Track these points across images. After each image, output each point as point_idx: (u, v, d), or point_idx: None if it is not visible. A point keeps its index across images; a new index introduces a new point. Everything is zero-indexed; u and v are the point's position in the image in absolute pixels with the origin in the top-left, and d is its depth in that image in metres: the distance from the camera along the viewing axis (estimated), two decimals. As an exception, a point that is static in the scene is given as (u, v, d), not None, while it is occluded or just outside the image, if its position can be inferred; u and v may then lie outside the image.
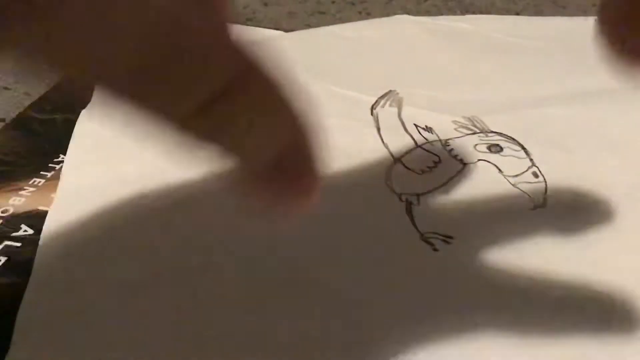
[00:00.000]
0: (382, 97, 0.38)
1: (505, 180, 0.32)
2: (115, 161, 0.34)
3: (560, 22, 0.45)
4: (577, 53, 0.41)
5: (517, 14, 0.60)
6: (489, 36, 0.43)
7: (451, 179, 0.32)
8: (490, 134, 0.35)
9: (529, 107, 0.37)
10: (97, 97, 0.40)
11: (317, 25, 0.58)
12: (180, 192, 0.31)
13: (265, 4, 0.62)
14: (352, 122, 0.36)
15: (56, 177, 0.33)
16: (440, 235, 0.29)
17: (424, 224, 0.29)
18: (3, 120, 0.45)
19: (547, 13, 0.59)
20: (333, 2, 0.62)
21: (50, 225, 0.30)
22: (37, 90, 0.49)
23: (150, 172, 0.32)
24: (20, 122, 0.40)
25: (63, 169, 0.34)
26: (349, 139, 0.34)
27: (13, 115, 0.45)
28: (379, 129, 0.35)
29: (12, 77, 0.51)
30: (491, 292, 0.26)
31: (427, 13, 0.60)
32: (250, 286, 0.27)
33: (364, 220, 0.30)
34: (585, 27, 0.45)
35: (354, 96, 0.38)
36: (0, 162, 0.36)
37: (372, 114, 0.37)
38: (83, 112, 0.37)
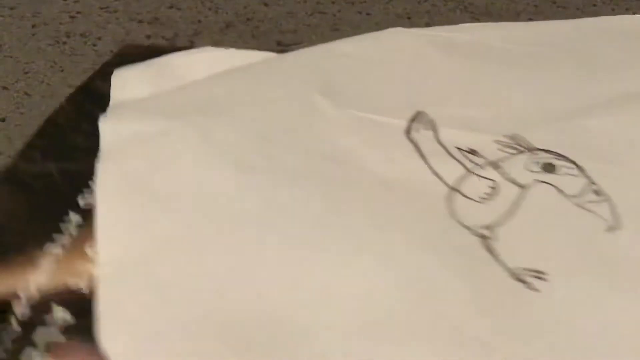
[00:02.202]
0: (412, 120, 0.35)
1: (568, 201, 0.30)
2: (154, 220, 0.29)
3: (560, 26, 0.44)
4: (584, 57, 0.40)
5: (517, 14, 0.59)
6: (491, 46, 0.41)
7: (514, 204, 0.30)
8: (537, 152, 0.32)
9: (564, 120, 0.34)
10: (107, 144, 0.33)
11: (317, 25, 0.58)
12: (234, 252, 0.27)
13: (266, 4, 0.62)
14: (392, 152, 0.33)
15: (75, 242, 0.28)
16: (531, 271, 0.26)
17: (509, 259, 0.27)
18: (3, 119, 0.45)
19: (547, 13, 0.59)
20: (333, 2, 0.62)
21: (106, 313, 0.25)
22: (38, 90, 0.49)
23: (198, 234, 0.28)
24: (11, 178, 0.32)
25: (98, 239, 0.27)
26: (395, 171, 0.31)
27: (13, 115, 0.45)
28: (423, 157, 0.32)
29: (12, 77, 0.51)
30: (607, 332, 0.24)
31: (427, 13, 0.60)
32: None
33: (440, 259, 0.27)
34: (585, 28, 0.44)
35: (382, 121, 0.35)
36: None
37: (409, 139, 0.33)
38: (102, 165, 0.32)
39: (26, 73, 0.51)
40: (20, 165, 0.33)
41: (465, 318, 0.24)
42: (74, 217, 0.29)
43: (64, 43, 0.55)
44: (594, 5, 0.60)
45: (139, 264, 0.27)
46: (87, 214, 0.29)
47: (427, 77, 0.38)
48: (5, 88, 0.49)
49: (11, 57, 0.53)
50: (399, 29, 0.42)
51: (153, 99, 0.37)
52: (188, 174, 0.31)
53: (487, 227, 0.28)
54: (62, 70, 0.51)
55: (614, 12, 0.56)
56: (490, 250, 0.27)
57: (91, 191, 0.30)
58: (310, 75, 0.38)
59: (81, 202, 0.30)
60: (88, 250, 0.27)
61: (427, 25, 0.61)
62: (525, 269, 0.26)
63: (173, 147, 0.32)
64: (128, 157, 0.32)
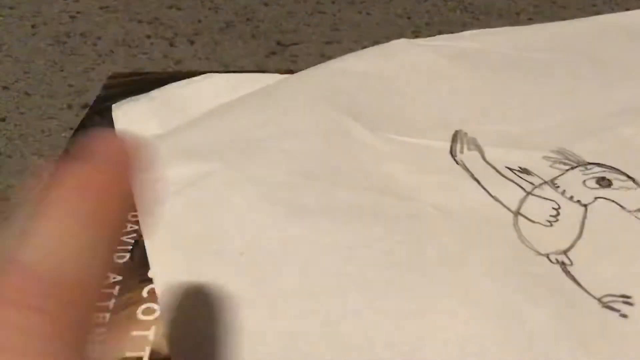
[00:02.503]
0: (454, 140, 0.34)
1: (631, 216, 0.29)
2: (215, 274, 0.27)
3: (564, 28, 0.44)
4: (597, 60, 0.40)
5: (517, 14, 0.60)
6: (505, 54, 0.40)
7: (583, 226, 0.29)
8: (588, 166, 0.32)
9: (602, 130, 0.34)
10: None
11: (317, 25, 0.58)
12: (314, 305, 0.26)
13: (266, 4, 0.62)
14: (443, 177, 0.32)
15: (121, 306, 0.26)
16: (618, 296, 0.26)
17: (591, 286, 0.26)
18: (3, 119, 0.45)
19: (547, 13, 0.59)
20: (333, 2, 0.62)
21: None
22: (37, 90, 0.49)
23: (270, 287, 0.26)
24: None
25: (161, 305, 0.26)
26: (452, 198, 0.31)
27: (13, 115, 0.45)
28: (477, 180, 0.31)
29: (12, 77, 0.51)
30: None
31: (427, 13, 0.60)
32: None
33: (528, 294, 0.26)
34: (590, 28, 0.44)
35: (423, 144, 0.34)
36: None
37: (456, 162, 0.33)
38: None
39: (26, 73, 0.51)
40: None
41: (564, 354, 0.24)
42: (114, 278, 0.28)
43: (64, 43, 0.55)
44: (594, 5, 0.60)
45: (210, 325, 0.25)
46: (125, 271, 0.28)
47: (451, 93, 0.38)
48: (5, 88, 0.49)
49: (11, 57, 0.53)
50: (404, 41, 0.41)
51: (175, 137, 0.35)
52: (239, 220, 0.29)
53: (563, 253, 0.28)
54: (62, 70, 0.51)
55: (613, 11, 0.56)
56: (573, 278, 0.27)
57: (125, 246, 0.29)
58: (334, 98, 0.37)
59: (117, 259, 0.28)
60: (139, 314, 0.26)
61: (427, 25, 0.61)
62: (611, 295, 0.26)
63: (218, 191, 0.30)
64: (170, 205, 0.30)
